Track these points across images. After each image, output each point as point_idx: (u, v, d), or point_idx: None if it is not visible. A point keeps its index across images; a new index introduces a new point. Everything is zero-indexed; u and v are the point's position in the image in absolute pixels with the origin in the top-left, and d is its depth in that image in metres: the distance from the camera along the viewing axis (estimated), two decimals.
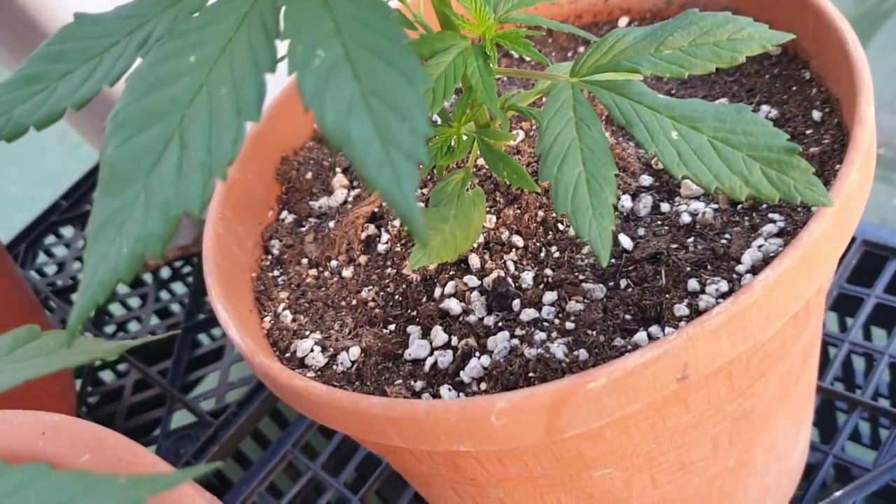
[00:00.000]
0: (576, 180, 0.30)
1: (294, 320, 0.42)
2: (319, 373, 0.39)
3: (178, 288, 0.89)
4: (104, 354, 0.27)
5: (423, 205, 0.45)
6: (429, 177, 0.45)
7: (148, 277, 0.89)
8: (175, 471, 0.30)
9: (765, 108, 0.43)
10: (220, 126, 0.23)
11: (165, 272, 0.89)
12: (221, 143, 0.23)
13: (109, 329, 0.87)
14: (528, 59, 0.50)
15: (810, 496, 0.51)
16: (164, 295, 0.88)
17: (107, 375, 0.83)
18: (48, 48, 0.27)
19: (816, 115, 0.41)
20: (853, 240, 0.60)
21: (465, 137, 0.40)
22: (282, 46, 0.25)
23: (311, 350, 0.40)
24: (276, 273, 0.45)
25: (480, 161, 0.44)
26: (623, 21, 0.51)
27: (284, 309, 0.43)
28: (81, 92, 0.26)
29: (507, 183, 0.43)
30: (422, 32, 0.38)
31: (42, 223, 0.93)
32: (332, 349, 0.40)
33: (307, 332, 0.41)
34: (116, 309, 0.88)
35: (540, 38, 0.52)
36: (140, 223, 0.22)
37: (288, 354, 0.40)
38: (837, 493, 0.50)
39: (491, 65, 0.35)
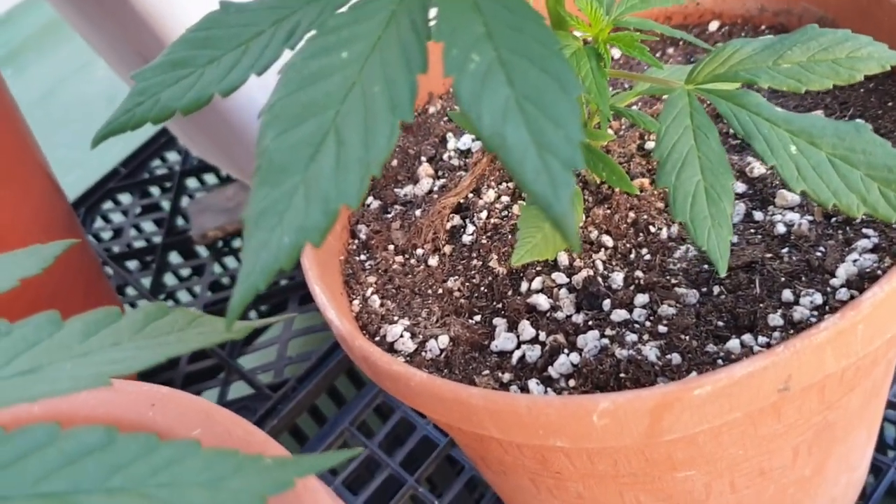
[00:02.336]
0: (694, 189, 0.31)
1: (382, 305, 0.43)
2: (409, 358, 0.40)
3: (230, 262, 0.90)
4: (237, 334, 0.28)
5: (507, 199, 0.45)
6: None
7: (202, 251, 0.90)
8: (282, 449, 0.31)
9: (858, 122, 0.43)
10: (374, 123, 0.24)
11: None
12: (377, 139, 0.24)
13: (162, 297, 0.88)
14: (634, 59, 0.50)
15: None
16: (216, 268, 0.89)
17: None
18: (195, 34, 0.28)
19: None
20: None
21: None
22: None
23: (401, 335, 0.41)
24: (363, 257, 0.46)
25: None
26: (714, 25, 0.51)
27: (372, 293, 0.43)
28: (229, 79, 0.27)
29: (598, 182, 0.43)
30: None
31: (100, 189, 0.95)
32: (420, 336, 0.41)
33: (395, 318, 0.42)
34: (170, 279, 0.89)
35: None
36: (301, 215, 0.23)
37: (377, 338, 0.41)
38: None
39: (604, 67, 0.35)
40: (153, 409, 0.33)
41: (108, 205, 0.95)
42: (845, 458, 0.43)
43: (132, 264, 0.92)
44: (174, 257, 0.90)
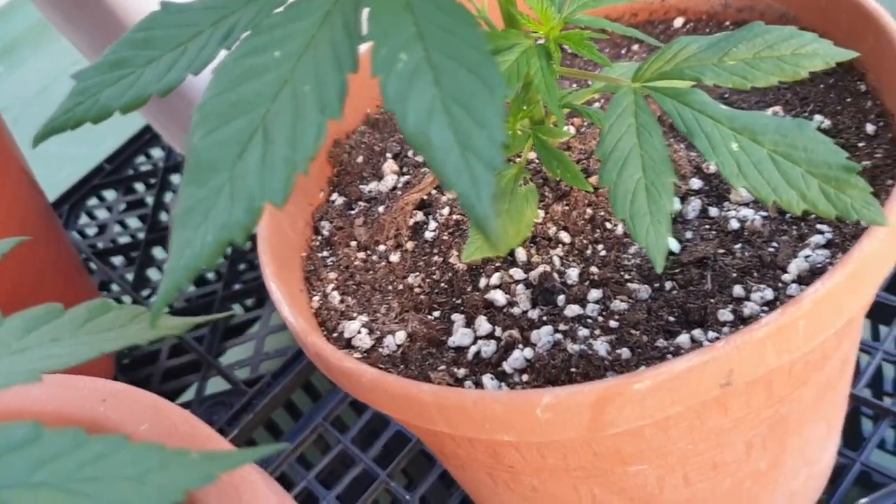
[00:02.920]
0: (635, 186, 0.31)
1: (342, 301, 0.43)
2: (366, 354, 0.40)
3: None
4: (173, 330, 0.28)
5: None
6: None
7: None
8: (228, 444, 0.31)
9: (818, 117, 0.43)
10: (303, 122, 0.24)
11: None
12: (305, 138, 0.24)
13: (146, 292, 0.89)
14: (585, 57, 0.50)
15: (835, 501, 0.52)
16: None
17: None
18: (135, 34, 0.28)
19: (870, 128, 0.41)
20: None
21: (520, 133, 0.40)
22: None
23: (359, 332, 0.41)
24: (325, 254, 0.46)
25: (531, 155, 0.44)
26: (679, 21, 0.51)
27: (333, 290, 0.44)
28: (167, 79, 0.27)
29: (557, 179, 0.43)
30: (485, 28, 0.39)
31: (85, 185, 0.95)
32: (378, 332, 0.41)
33: (354, 314, 0.42)
34: (154, 274, 0.89)
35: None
36: (226, 212, 0.23)
37: (336, 335, 0.42)
38: (863, 501, 0.51)
39: (554, 65, 0.36)
40: (104, 404, 0.33)
41: (92, 201, 0.95)
42: (803, 452, 0.44)
43: (117, 260, 0.92)
44: (158, 252, 0.91)
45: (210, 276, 0.89)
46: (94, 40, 0.70)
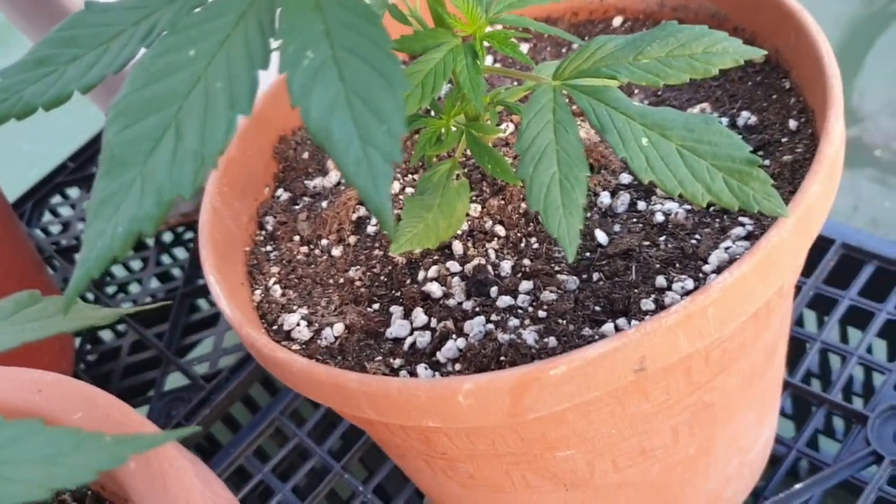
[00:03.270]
0: (549, 180, 0.32)
1: (283, 295, 0.44)
2: (304, 346, 0.41)
3: (180, 253, 0.91)
4: (100, 321, 0.29)
5: (412, 190, 0.47)
6: (420, 164, 0.47)
7: (150, 241, 0.91)
8: (160, 432, 0.32)
9: (745, 113, 0.44)
10: (213, 118, 0.25)
11: (168, 236, 0.91)
12: (214, 134, 0.25)
13: (111, 289, 0.89)
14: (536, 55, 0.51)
15: (772, 488, 0.54)
16: (166, 259, 0.90)
17: (106, 335, 0.85)
18: (59, 33, 0.29)
19: (793, 123, 0.43)
20: (832, 242, 0.61)
21: (453, 129, 0.41)
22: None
23: (298, 324, 0.42)
24: (268, 248, 0.47)
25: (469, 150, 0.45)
26: (617, 20, 0.52)
27: (275, 283, 0.45)
28: (88, 77, 0.28)
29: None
30: (416, 27, 0.40)
31: (49, 183, 0.96)
32: (317, 324, 0.42)
33: (295, 307, 0.43)
34: (119, 270, 0.90)
35: (536, 34, 0.53)
36: (135, 205, 0.24)
37: (276, 327, 0.43)
38: (797, 486, 0.52)
39: (479, 63, 0.37)
40: (39, 394, 0.34)
41: (56, 199, 0.96)
42: (734, 440, 0.45)
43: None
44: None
45: (173, 272, 0.90)
46: (38, 24, 0.70)
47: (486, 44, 0.38)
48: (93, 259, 0.24)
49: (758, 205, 0.31)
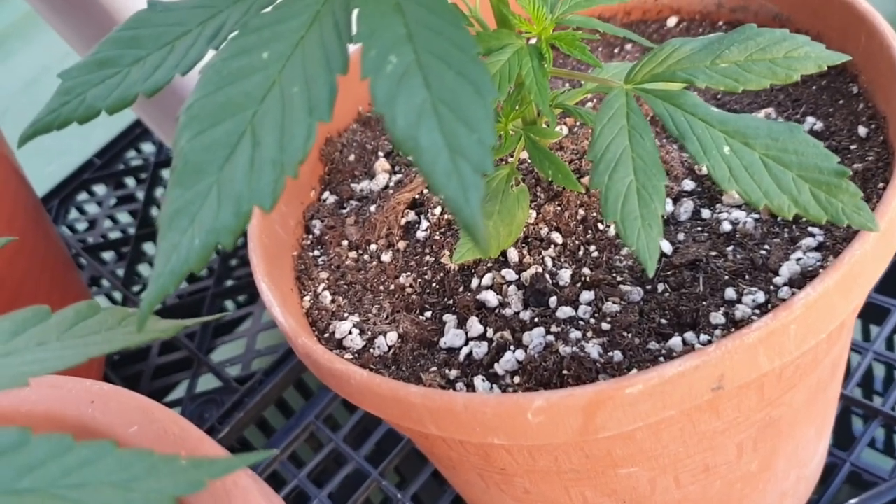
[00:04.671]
0: (626, 189, 0.31)
1: (333, 301, 0.43)
2: (357, 355, 0.40)
3: None
4: (161, 335, 0.28)
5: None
6: None
7: None
8: (220, 449, 0.31)
9: (810, 119, 0.43)
10: (292, 124, 0.24)
11: None
12: (293, 141, 0.24)
13: (136, 288, 0.88)
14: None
15: (825, 502, 0.52)
16: None
17: None
18: (121, 33, 0.28)
19: (862, 130, 0.41)
20: None
21: (511, 133, 0.40)
22: None
23: (350, 332, 0.41)
24: (316, 253, 0.46)
25: (523, 154, 0.44)
26: (672, 20, 0.51)
27: (324, 290, 0.43)
28: (154, 79, 0.27)
29: (549, 179, 0.43)
30: (477, 28, 0.38)
31: (75, 180, 0.95)
32: (369, 332, 0.41)
33: (346, 315, 0.42)
34: (146, 269, 0.89)
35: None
36: (213, 216, 0.23)
37: (327, 335, 0.41)
38: (853, 501, 0.51)
39: (546, 66, 0.35)
40: (93, 406, 0.33)
41: (82, 196, 0.95)
42: (794, 454, 0.44)
43: (107, 255, 0.92)
44: (149, 248, 0.90)
45: (202, 272, 0.89)
46: (82, 33, 0.69)
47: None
48: (167, 274, 0.23)
49: (847, 218, 0.30)
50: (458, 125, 0.23)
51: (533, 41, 0.37)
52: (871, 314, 0.61)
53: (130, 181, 0.96)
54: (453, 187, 0.23)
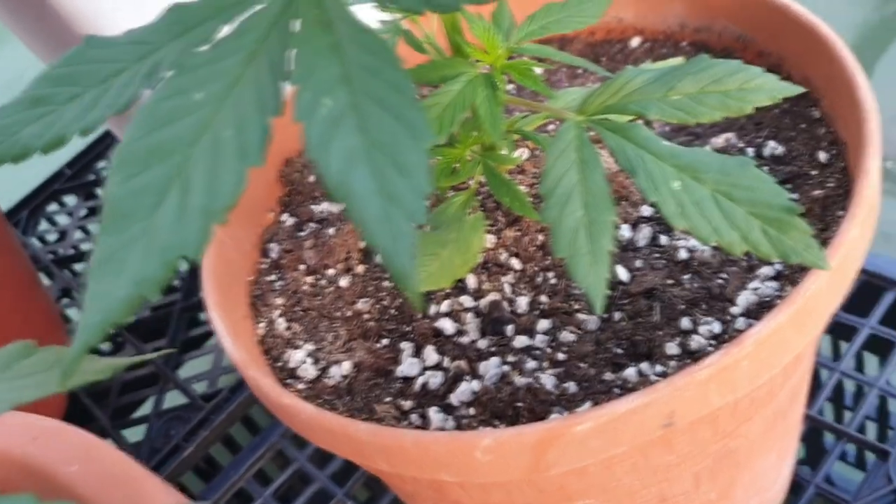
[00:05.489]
0: (576, 224, 0.30)
1: (288, 328, 0.42)
2: (310, 385, 0.40)
3: None
4: (98, 375, 0.27)
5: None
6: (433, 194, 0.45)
7: None
8: (163, 487, 0.31)
9: (771, 143, 0.43)
10: (222, 170, 0.23)
11: None
12: (223, 187, 0.23)
13: None
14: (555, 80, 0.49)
15: None
16: None
17: (102, 350, 0.83)
18: (57, 70, 0.27)
19: (822, 156, 0.41)
20: None
21: (469, 159, 0.40)
22: None
23: (304, 361, 0.40)
24: (272, 277, 0.45)
25: (483, 177, 0.44)
26: (636, 41, 0.50)
27: (279, 316, 0.43)
28: (89, 118, 0.26)
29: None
30: (433, 55, 0.38)
31: (45, 190, 0.94)
32: (324, 361, 0.40)
33: (300, 343, 0.41)
34: None
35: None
36: (138, 266, 0.22)
37: (280, 364, 0.41)
38: None
39: (499, 95, 0.35)
40: (35, 442, 0.33)
41: (52, 206, 0.94)
42: (754, 482, 0.43)
43: (79, 267, 0.91)
44: None
45: (175, 282, 0.88)
46: (46, 42, 0.69)
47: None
48: (94, 325, 0.22)
49: (797, 256, 0.29)
50: (392, 171, 0.23)
51: (487, 69, 0.36)
52: (839, 332, 0.61)
53: (101, 191, 0.95)
54: (384, 235, 0.22)
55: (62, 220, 0.94)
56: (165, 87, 0.25)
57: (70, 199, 0.95)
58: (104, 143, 0.96)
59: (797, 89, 0.33)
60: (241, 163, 0.23)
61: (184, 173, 0.23)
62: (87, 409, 0.72)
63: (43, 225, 0.93)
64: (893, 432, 0.53)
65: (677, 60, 0.40)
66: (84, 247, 0.92)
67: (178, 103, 0.25)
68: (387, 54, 0.25)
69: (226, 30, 0.27)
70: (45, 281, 0.86)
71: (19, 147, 0.27)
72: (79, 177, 0.94)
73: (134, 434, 0.72)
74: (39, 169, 0.98)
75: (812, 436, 0.61)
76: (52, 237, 0.93)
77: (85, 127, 0.26)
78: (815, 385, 0.59)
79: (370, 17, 0.33)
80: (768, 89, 0.32)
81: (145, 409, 0.73)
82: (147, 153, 0.24)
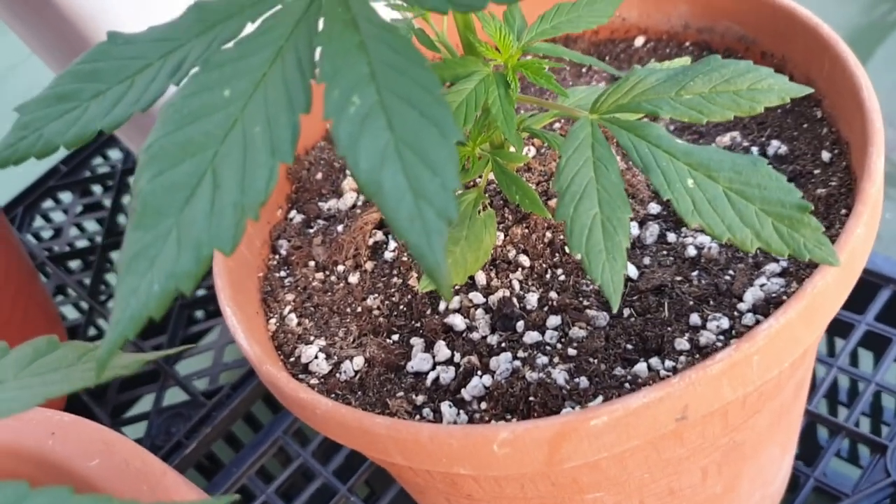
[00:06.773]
0: (591, 222, 0.31)
1: (299, 324, 0.43)
2: (323, 380, 0.40)
3: None
4: (123, 371, 0.28)
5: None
6: None
7: None
8: (183, 482, 0.31)
9: (775, 142, 0.43)
10: (253, 165, 0.24)
11: None
12: (255, 182, 0.23)
13: (103, 297, 0.87)
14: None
15: None
16: None
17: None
18: (81, 66, 0.27)
19: (825, 155, 0.42)
20: None
21: (479, 156, 0.40)
22: None
23: (316, 357, 0.41)
24: (282, 274, 0.45)
25: (492, 175, 0.44)
26: (640, 40, 0.51)
27: (290, 312, 0.43)
28: (113, 115, 0.26)
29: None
30: (445, 54, 0.38)
31: (40, 186, 0.93)
32: (336, 357, 0.41)
33: (312, 338, 0.42)
34: (112, 278, 0.88)
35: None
36: (172, 260, 0.23)
37: (292, 359, 0.41)
38: None
39: (512, 94, 0.35)
40: (53, 437, 0.33)
41: (48, 203, 0.93)
42: (758, 475, 0.44)
43: (74, 264, 0.91)
44: (116, 256, 0.89)
45: None
46: (43, 37, 0.68)
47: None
48: (126, 320, 0.22)
49: (809, 253, 0.30)
50: (422, 169, 0.23)
51: (499, 68, 0.37)
52: (835, 328, 0.61)
53: (97, 188, 0.95)
54: (416, 232, 0.22)
55: (57, 216, 0.93)
56: (193, 83, 0.25)
57: (65, 196, 0.94)
58: (99, 140, 0.95)
59: (806, 90, 0.33)
60: (272, 158, 0.24)
61: (215, 169, 0.24)
62: (86, 406, 0.72)
63: (38, 221, 0.93)
64: (889, 427, 0.54)
65: (684, 60, 0.41)
66: (79, 244, 0.91)
67: (207, 99, 0.25)
68: (412, 53, 0.25)
69: (249, 27, 0.27)
70: (41, 278, 0.85)
71: (42, 143, 0.27)
72: (74, 173, 0.94)
73: (134, 431, 0.72)
74: (34, 165, 0.98)
75: (807, 431, 0.62)
76: (46, 234, 0.93)
77: (109, 123, 0.26)
78: (812, 381, 0.59)
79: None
80: (778, 90, 0.33)
81: (145, 405, 0.73)
82: (177, 149, 0.24)
